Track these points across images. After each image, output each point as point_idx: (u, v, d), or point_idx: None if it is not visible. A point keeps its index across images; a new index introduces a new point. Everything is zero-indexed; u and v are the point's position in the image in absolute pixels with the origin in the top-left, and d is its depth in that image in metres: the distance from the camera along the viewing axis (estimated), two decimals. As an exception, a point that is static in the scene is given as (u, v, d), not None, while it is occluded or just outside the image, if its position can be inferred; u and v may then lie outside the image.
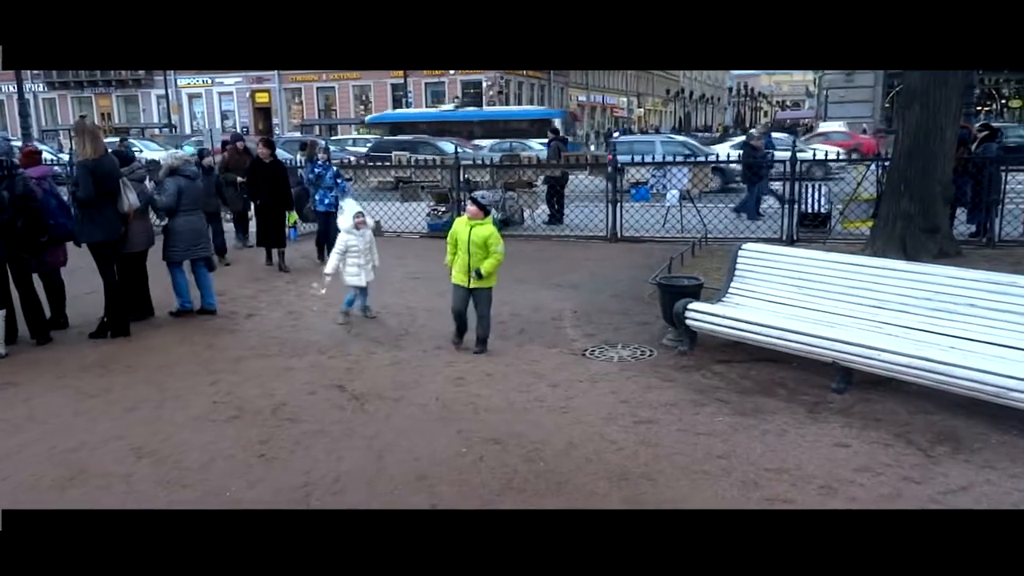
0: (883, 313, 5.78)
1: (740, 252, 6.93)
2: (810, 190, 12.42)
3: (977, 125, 13.53)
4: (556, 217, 14.81)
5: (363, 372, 6.29)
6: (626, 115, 69.88)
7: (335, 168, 11.74)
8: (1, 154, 7.09)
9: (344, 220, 7.82)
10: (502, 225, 13.95)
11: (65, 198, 7.78)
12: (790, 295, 6.40)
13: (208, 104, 55.85)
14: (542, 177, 14.85)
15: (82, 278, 8.12)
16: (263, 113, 54.54)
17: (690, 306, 6.54)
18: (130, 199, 7.28)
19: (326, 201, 11.05)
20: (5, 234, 6.84)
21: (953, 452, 4.66)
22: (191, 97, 56.29)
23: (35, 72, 55.63)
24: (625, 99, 71.69)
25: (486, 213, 6.70)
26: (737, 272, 6.89)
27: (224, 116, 55.42)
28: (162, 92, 52.16)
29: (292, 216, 11.95)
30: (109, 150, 7.46)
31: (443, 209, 14.11)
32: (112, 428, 5.19)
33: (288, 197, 11.09)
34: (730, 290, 6.86)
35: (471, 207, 6.72)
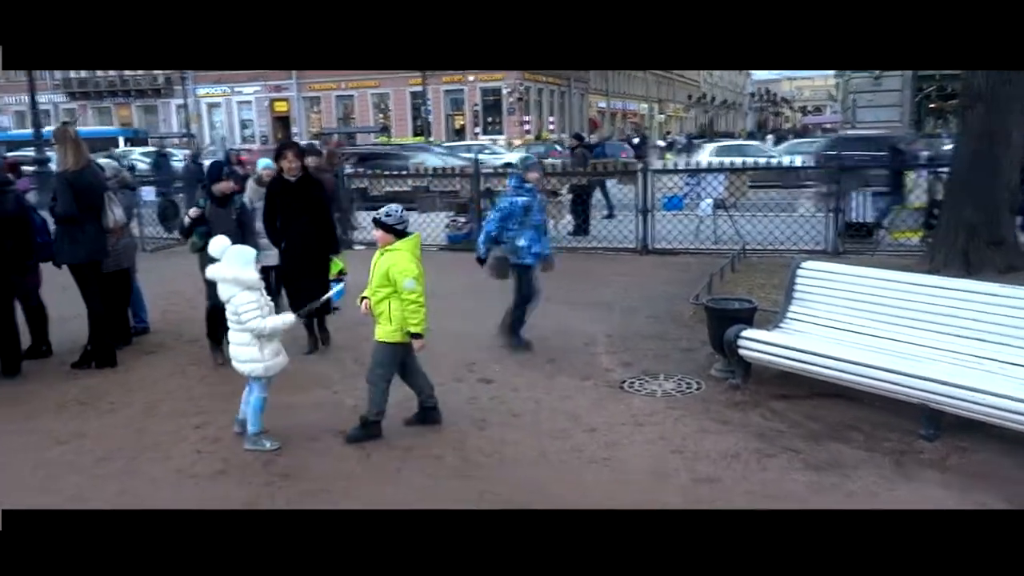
0: (978, 345, 4.94)
1: (799, 271, 6.10)
2: (857, 198, 11.55)
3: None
4: (581, 228, 14.03)
5: (372, 411, 5.51)
6: (645, 121, 68.98)
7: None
8: (-5, 165, 6.44)
9: (239, 269, 4.87)
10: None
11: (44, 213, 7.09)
12: (862, 321, 5.57)
13: (227, 113, 55.59)
14: (567, 186, 14.08)
15: (71, 300, 7.40)
16: (282, 122, 54.17)
17: (744, 334, 5.73)
18: (116, 214, 6.60)
19: (534, 249, 6.83)
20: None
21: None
22: (210, 106, 56.04)
23: (55, 82, 55.73)
24: (646, 105, 70.82)
25: (398, 235, 4.91)
26: (796, 294, 6.06)
27: (243, 125, 55.17)
28: (181, 102, 51.88)
29: (337, 263, 6.94)
30: (93, 160, 6.76)
31: (463, 220, 13.37)
32: (76, 485, 4.46)
33: (332, 234, 7.09)
34: (789, 314, 6.03)
35: (375, 231, 5.02)
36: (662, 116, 74.27)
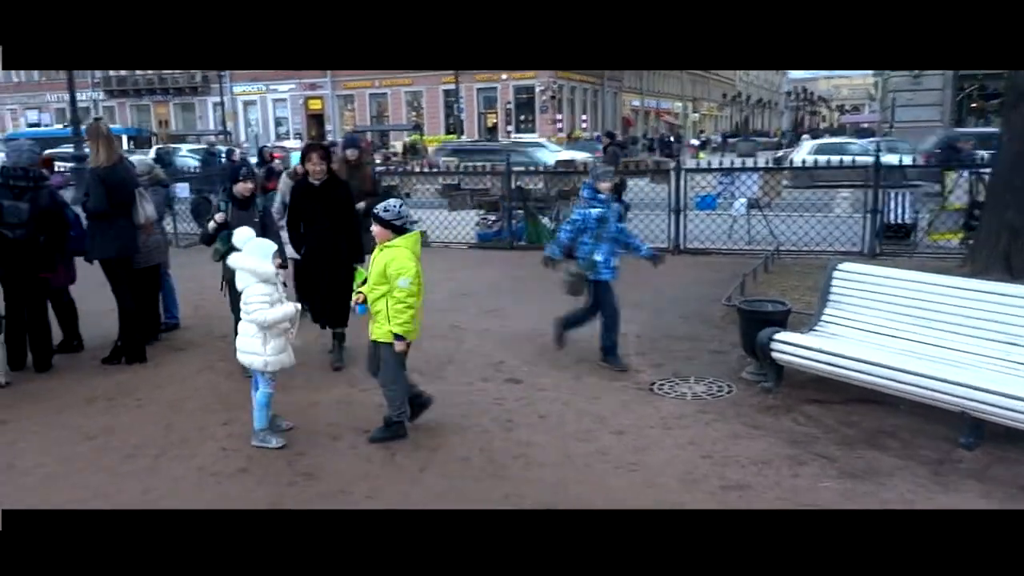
0: (1020, 352, 4.77)
1: (835, 273, 5.95)
2: (895, 199, 11.28)
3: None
4: (613, 227, 13.91)
5: (398, 410, 5.47)
6: (679, 120, 68.43)
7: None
8: (31, 163, 6.48)
9: (256, 261, 4.88)
10: (554, 235, 13.13)
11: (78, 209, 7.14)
12: (899, 326, 5.41)
13: (262, 111, 56.10)
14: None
15: (104, 295, 7.45)
16: (316, 120, 54.57)
17: (777, 336, 5.60)
18: (147, 210, 6.62)
19: (611, 263, 6.36)
20: (22, 251, 6.23)
21: None
22: (246, 104, 56.59)
23: (95, 80, 56.63)
24: (680, 104, 70.25)
25: (397, 231, 4.74)
26: (832, 296, 5.92)
27: (278, 123, 55.65)
28: (217, 99, 52.46)
29: (362, 272, 5.59)
30: (125, 157, 6.78)
31: (493, 218, 13.31)
32: (100, 483, 4.45)
33: (357, 242, 6.46)
34: (824, 317, 5.88)
35: (373, 227, 4.83)
36: (696, 115, 73.63)
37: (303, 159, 6.53)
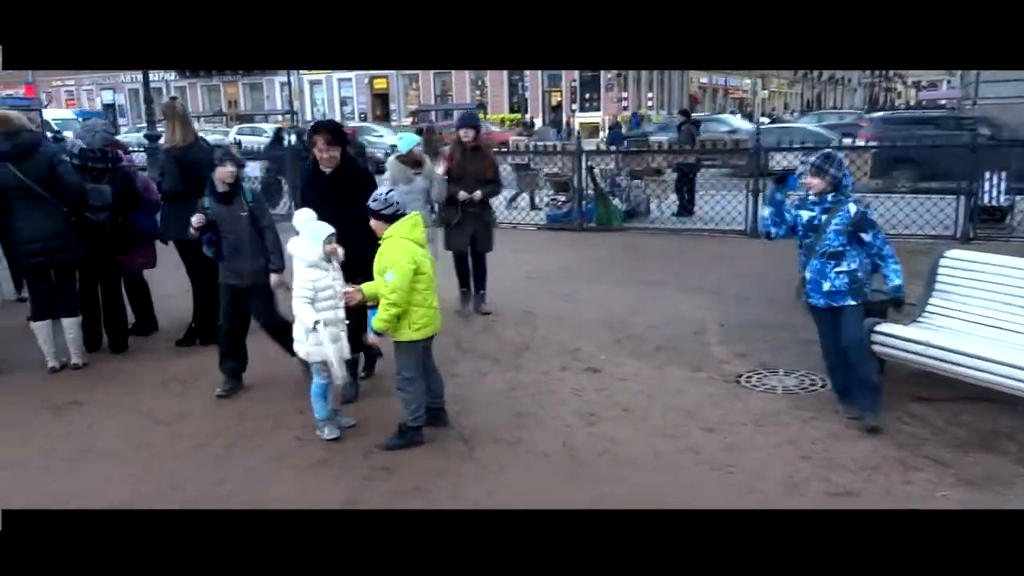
0: None
1: (943, 260, 5.53)
2: (991, 180, 10.63)
3: None
4: (686, 209, 13.51)
5: (473, 400, 5.27)
6: (749, 97, 66.71)
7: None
8: (104, 144, 6.46)
9: (304, 245, 4.61)
10: (626, 217, 12.80)
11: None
12: (1015, 318, 4.97)
13: (328, 90, 56.51)
14: (672, 165, 13.54)
15: (179, 276, 7.41)
16: (381, 99, 54.76)
17: (878, 328, 5.23)
18: (221, 191, 6.52)
19: (825, 286, 4.80)
20: (103, 234, 6.22)
21: None
22: (312, 84, 57.08)
23: (167, 61, 57.70)
24: (749, 80, 68.45)
25: (389, 220, 4.37)
26: (938, 285, 5.50)
27: (343, 102, 56.00)
28: (284, 79, 52.97)
29: None
30: (200, 137, 6.70)
31: (563, 199, 13.04)
32: (172, 472, 4.36)
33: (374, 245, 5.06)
34: (929, 307, 5.48)
35: (371, 221, 4.47)
36: (765, 92, 71.65)
37: (309, 143, 5.65)
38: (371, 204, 4.42)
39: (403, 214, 4.43)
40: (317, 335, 4.52)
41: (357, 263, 4.71)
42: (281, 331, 5.36)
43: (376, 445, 4.58)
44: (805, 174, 4.78)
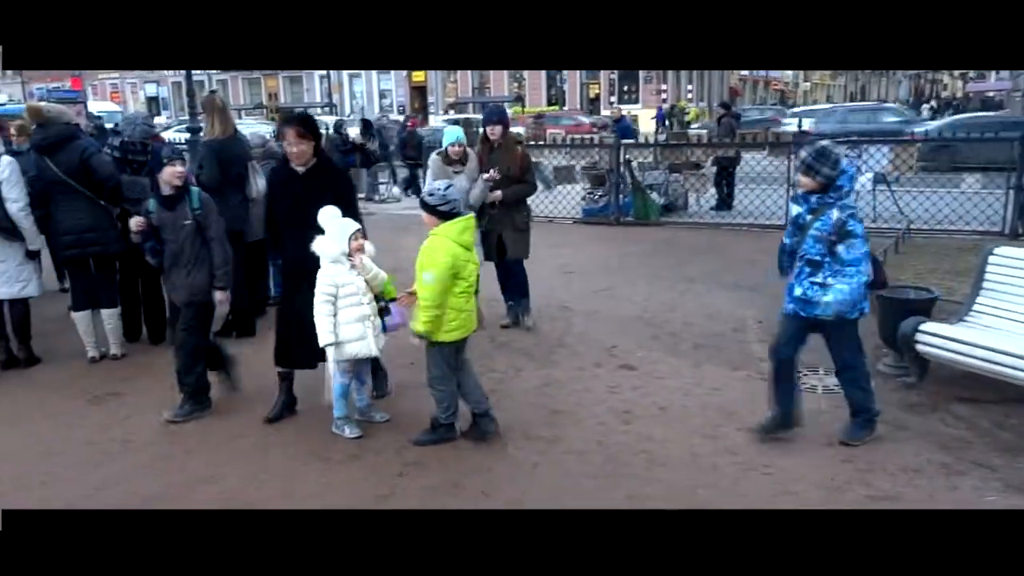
0: None
1: (991, 258, 5.37)
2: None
3: None
4: (725, 203, 13.33)
5: (508, 397, 5.24)
6: (792, 89, 65.75)
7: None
8: (144, 137, 6.52)
9: (328, 242, 4.45)
10: (664, 211, 12.67)
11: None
12: (1068, 319, 4.83)
13: (367, 83, 56.76)
14: (711, 158, 13.35)
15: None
16: (419, 92, 54.87)
17: (923, 327, 5.10)
18: (258, 185, 6.57)
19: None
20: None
21: None
22: (351, 77, 57.37)
23: (209, 54, 58.38)
24: (790, 73, 67.43)
25: (444, 216, 4.24)
26: (986, 284, 5.35)
27: (382, 95, 56.21)
28: (324, 72, 53.30)
29: (391, 288, 4.81)
30: (238, 130, 6.75)
31: (600, 193, 12.93)
32: (206, 466, 4.39)
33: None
34: (976, 307, 5.33)
35: (423, 215, 4.37)
36: (807, 84, 70.55)
37: (277, 137, 5.07)
38: (427, 198, 4.29)
39: (459, 213, 4.32)
40: (340, 333, 4.46)
41: (315, 266, 4.50)
42: (198, 354, 5.02)
43: (408, 440, 4.56)
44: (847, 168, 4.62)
